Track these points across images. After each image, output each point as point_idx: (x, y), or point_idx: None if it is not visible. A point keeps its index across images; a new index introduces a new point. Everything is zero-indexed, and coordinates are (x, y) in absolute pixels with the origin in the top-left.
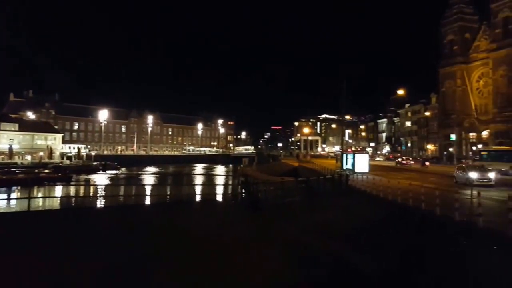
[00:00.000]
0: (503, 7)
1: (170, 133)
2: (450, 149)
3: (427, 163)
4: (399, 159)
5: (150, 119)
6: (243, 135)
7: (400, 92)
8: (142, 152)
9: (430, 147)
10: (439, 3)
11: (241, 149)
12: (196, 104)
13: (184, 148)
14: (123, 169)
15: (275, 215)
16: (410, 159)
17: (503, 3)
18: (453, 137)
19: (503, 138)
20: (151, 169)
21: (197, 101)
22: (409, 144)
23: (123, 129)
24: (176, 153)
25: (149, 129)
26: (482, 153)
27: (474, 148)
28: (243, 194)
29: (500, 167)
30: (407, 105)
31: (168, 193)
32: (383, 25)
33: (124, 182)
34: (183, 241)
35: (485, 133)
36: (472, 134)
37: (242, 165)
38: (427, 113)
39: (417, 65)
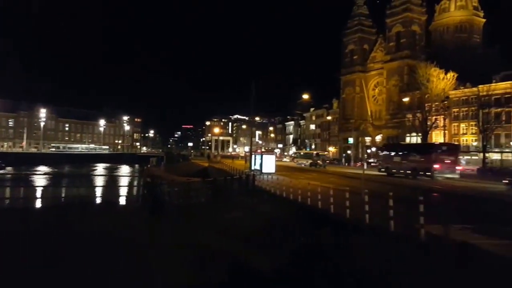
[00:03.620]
0: (396, 22)
1: (67, 129)
2: (349, 152)
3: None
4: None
5: (43, 112)
6: (152, 133)
7: (305, 96)
8: (33, 150)
9: (332, 149)
10: (344, 14)
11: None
12: (99, 100)
13: (53, 146)
14: (10, 168)
15: (178, 217)
16: None
17: (397, 18)
18: (351, 140)
19: (392, 141)
20: (43, 168)
21: (101, 96)
22: (313, 146)
23: (11, 123)
24: (80, 151)
25: (42, 123)
26: (295, 153)
27: (368, 151)
28: (150, 197)
29: (303, 161)
30: (312, 109)
31: (63, 195)
32: (295, 31)
33: (10, 183)
34: (71, 248)
35: (378, 138)
36: (367, 138)
37: (149, 165)
38: (329, 117)
39: (323, 72)
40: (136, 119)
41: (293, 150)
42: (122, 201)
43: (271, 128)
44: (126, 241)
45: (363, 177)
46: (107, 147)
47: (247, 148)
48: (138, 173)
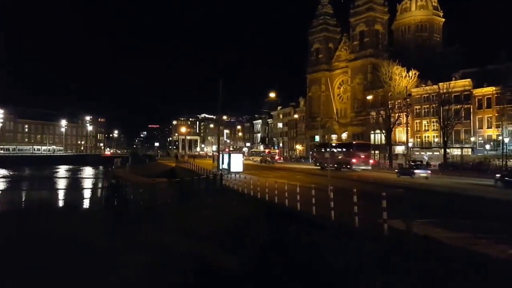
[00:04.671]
0: (360, 21)
1: (26, 130)
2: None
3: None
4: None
5: (0, 113)
6: (116, 133)
7: (272, 95)
8: None
9: (299, 147)
10: (310, 13)
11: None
12: (61, 100)
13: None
14: None
15: (144, 219)
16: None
17: (360, 18)
18: (317, 138)
19: (359, 140)
20: (1, 171)
21: (63, 95)
22: (281, 144)
23: None
24: (31, 153)
25: None
26: (252, 151)
27: None
28: (114, 198)
29: (256, 158)
30: (279, 108)
31: (23, 199)
32: (262, 30)
33: None
34: (30, 252)
35: (344, 135)
36: (333, 136)
37: (113, 166)
38: (296, 116)
39: (291, 70)
40: (99, 119)
41: (261, 148)
42: (86, 203)
43: (239, 127)
44: (89, 245)
45: (330, 174)
46: (61, 148)
47: (215, 147)
48: (102, 175)
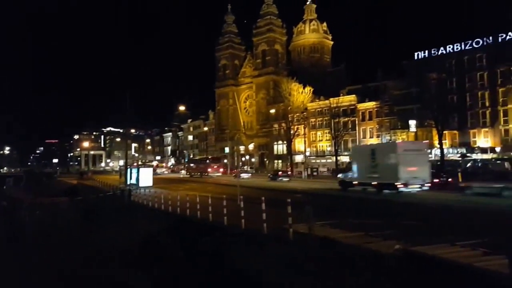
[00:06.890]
0: (262, 41)
1: None
2: (225, 160)
3: None
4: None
5: None
6: (7, 150)
7: (182, 108)
8: None
9: None
10: (216, 29)
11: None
12: None
13: None
14: None
15: (43, 244)
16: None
17: (262, 38)
18: (227, 150)
19: (264, 150)
20: None
21: None
22: (191, 156)
23: None
24: None
25: None
26: (139, 165)
27: (243, 159)
28: (6, 222)
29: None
30: (189, 121)
31: None
32: (171, 44)
33: None
34: None
35: (251, 146)
36: (242, 147)
37: (5, 187)
38: (206, 128)
39: (200, 84)
40: None
41: (172, 161)
42: None
43: (148, 140)
44: None
45: (239, 185)
46: None
47: (122, 162)
48: None
